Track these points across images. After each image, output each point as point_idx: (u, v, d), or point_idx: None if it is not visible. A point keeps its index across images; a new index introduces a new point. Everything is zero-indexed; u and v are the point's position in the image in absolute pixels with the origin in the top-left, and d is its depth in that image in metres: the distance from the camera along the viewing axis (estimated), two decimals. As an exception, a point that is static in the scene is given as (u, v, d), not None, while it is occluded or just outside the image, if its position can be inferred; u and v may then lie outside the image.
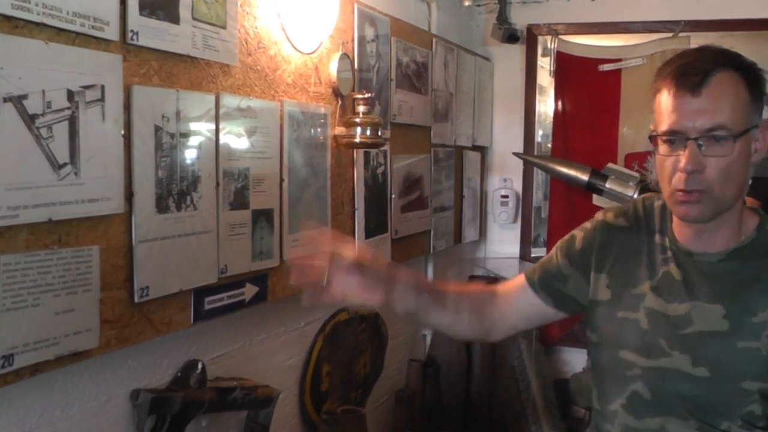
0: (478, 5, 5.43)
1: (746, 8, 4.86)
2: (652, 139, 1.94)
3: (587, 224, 2.22)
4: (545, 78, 5.58)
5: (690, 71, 1.85)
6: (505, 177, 5.54)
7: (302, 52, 3.04)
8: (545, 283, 2.22)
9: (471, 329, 2.27)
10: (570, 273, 2.18)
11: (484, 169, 5.51)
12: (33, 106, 1.88)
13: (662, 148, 1.91)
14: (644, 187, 4.67)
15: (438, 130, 4.49)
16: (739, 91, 1.85)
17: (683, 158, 1.84)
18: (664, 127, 1.89)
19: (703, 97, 1.83)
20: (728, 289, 1.94)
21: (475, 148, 5.23)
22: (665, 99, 1.89)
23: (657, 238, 2.08)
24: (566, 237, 2.25)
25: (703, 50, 1.93)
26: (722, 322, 1.92)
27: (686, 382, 1.94)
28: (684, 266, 2.01)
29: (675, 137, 1.87)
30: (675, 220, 2.04)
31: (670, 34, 5.02)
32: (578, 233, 2.22)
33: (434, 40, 4.45)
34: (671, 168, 1.89)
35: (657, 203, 2.13)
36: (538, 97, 5.52)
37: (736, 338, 1.90)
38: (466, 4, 4.66)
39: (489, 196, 5.59)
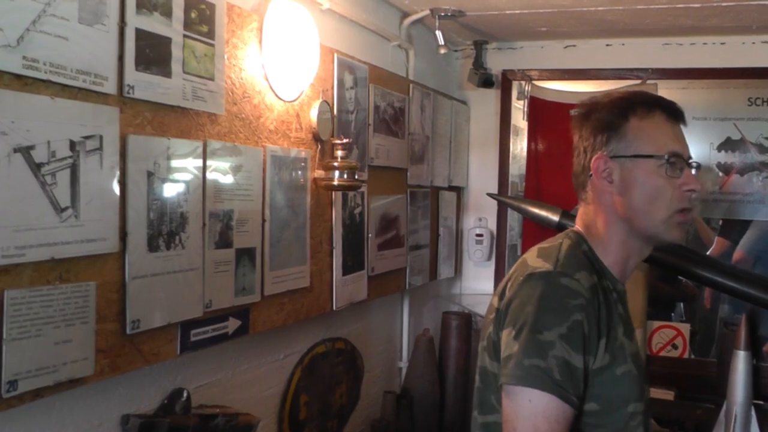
0: (455, 51, 5.65)
1: (710, 57, 5.12)
2: (674, 162, 1.99)
3: (577, 299, 1.88)
4: (520, 120, 5.79)
5: (676, 106, 2.06)
6: (480, 216, 5.72)
7: (284, 100, 3.24)
8: (581, 394, 1.88)
9: None
10: (587, 362, 1.88)
11: (459, 209, 5.71)
12: (39, 155, 2.07)
13: (666, 170, 1.98)
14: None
15: (414, 172, 4.69)
16: None
17: (694, 180, 1.99)
18: (669, 149, 1.98)
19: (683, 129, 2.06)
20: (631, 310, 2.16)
21: (451, 188, 5.42)
22: (661, 123, 2.02)
23: (604, 283, 2.02)
24: (569, 326, 1.84)
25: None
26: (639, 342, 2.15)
27: (650, 408, 2.10)
28: (621, 302, 2.07)
29: (677, 160, 1.98)
30: (617, 257, 2.07)
31: (638, 81, 5.24)
32: (579, 317, 1.86)
33: (411, 85, 4.66)
34: (671, 190, 1.97)
35: (583, 249, 2.05)
36: (513, 138, 5.72)
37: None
38: (442, 51, 4.85)
39: (464, 235, 5.77)
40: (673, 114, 2.04)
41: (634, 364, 1.98)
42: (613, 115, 2.05)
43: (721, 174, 6.01)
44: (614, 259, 2.07)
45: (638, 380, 1.99)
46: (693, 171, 2.01)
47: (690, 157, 2.01)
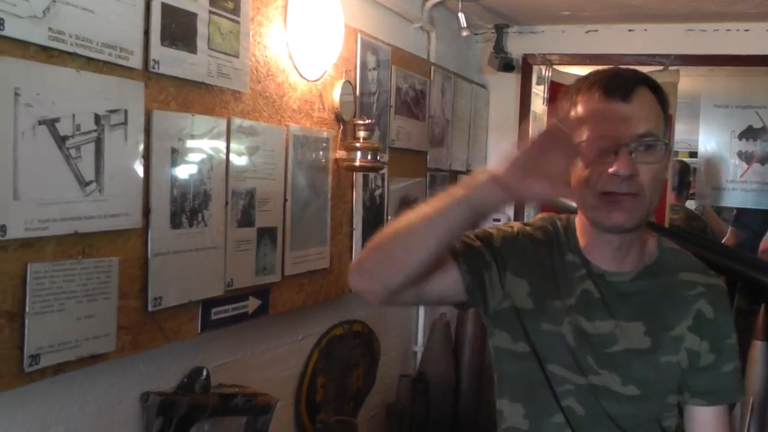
0: (476, 34, 5.61)
1: (733, 44, 5.07)
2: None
3: (505, 227, 2.03)
4: (539, 105, 5.77)
5: (619, 80, 1.85)
6: (498, 201, 5.67)
7: (308, 80, 3.21)
8: (469, 258, 1.91)
9: (421, 269, 1.74)
10: (490, 261, 1.94)
11: (477, 193, 5.64)
12: (64, 128, 2.05)
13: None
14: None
15: (434, 155, 4.67)
16: (657, 106, 1.87)
17: (617, 162, 1.77)
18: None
19: (633, 104, 1.81)
20: (644, 306, 1.95)
21: (469, 172, 5.38)
22: (594, 103, 1.84)
23: (569, 256, 1.99)
24: (482, 230, 2.00)
25: (628, 68, 1.93)
26: (644, 339, 1.93)
27: (616, 401, 1.93)
28: (600, 286, 1.96)
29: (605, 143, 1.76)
30: (586, 241, 1.98)
31: (661, 68, 5.20)
32: (495, 231, 2.01)
33: (432, 68, 4.63)
34: (599, 173, 1.80)
35: (560, 224, 2.06)
36: (531, 124, 5.68)
37: (659, 354, 1.93)
38: (464, 34, 4.83)
39: (482, 220, 5.72)
40: (610, 91, 1.84)
41: (575, 336, 1.92)
42: (566, 99, 1.94)
43: (737, 162, 5.99)
44: (585, 243, 1.98)
45: (573, 352, 1.93)
46: (623, 153, 1.78)
47: (641, 136, 1.80)
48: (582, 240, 2.00)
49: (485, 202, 1.61)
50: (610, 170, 1.78)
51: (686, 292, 1.98)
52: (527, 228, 2.04)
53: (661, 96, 1.90)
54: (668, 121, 1.92)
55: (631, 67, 1.95)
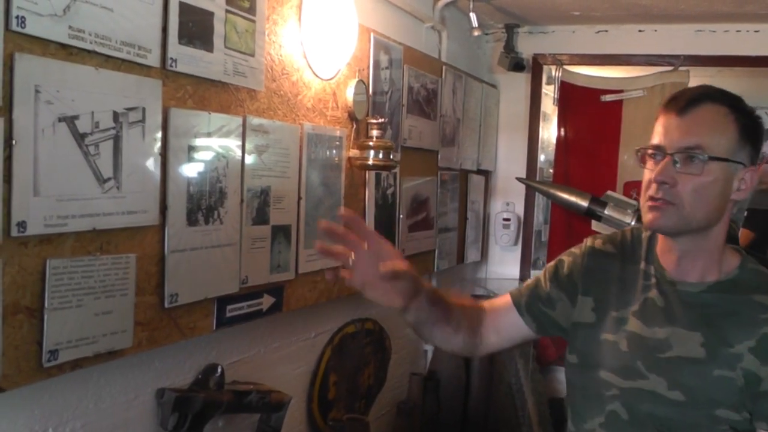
0: (487, 34, 5.62)
1: (743, 45, 5.07)
2: (641, 155, 2.05)
3: (575, 249, 2.30)
4: (549, 105, 5.77)
5: (681, 97, 1.99)
6: (508, 201, 5.70)
7: (322, 78, 3.22)
8: (532, 308, 2.28)
9: (462, 345, 2.30)
10: (558, 297, 2.25)
11: (487, 193, 5.69)
12: (83, 125, 2.07)
13: (648, 163, 2.02)
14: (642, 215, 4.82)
15: (445, 154, 4.68)
16: (726, 124, 1.94)
17: (656, 170, 1.96)
18: (651, 142, 2.02)
19: (685, 119, 1.95)
20: (707, 319, 1.99)
21: (479, 172, 5.41)
22: (658, 120, 2.02)
23: (642, 265, 2.15)
24: (554, 261, 2.32)
25: (703, 86, 2.04)
26: (699, 350, 1.96)
27: (661, 404, 1.99)
28: (666, 294, 2.06)
29: (657, 152, 1.98)
30: (660, 248, 2.12)
31: (670, 68, 5.20)
32: (566, 258, 2.30)
33: (444, 67, 4.64)
34: (649, 179, 1.99)
35: (645, 234, 2.21)
36: (541, 124, 5.69)
37: (713, 366, 1.94)
38: (475, 33, 4.84)
39: (491, 219, 5.76)
40: (669, 106, 2.02)
41: (629, 342, 2.07)
42: None
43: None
44: (659, 250, 2.14)
45: (623, 357, 2.07)
46: (663, 162, 1.95)
47: (686, 148, 1.94)
48: (658, 248, 2.14)
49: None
50: (651, 177, 1.98)
51: (756, 314, 1.97)
52: (597, 242, 2.27)
53: (743, 118, 1.97)
54: (751, 139, 1.98)
55: (713, 86, 2.06)
